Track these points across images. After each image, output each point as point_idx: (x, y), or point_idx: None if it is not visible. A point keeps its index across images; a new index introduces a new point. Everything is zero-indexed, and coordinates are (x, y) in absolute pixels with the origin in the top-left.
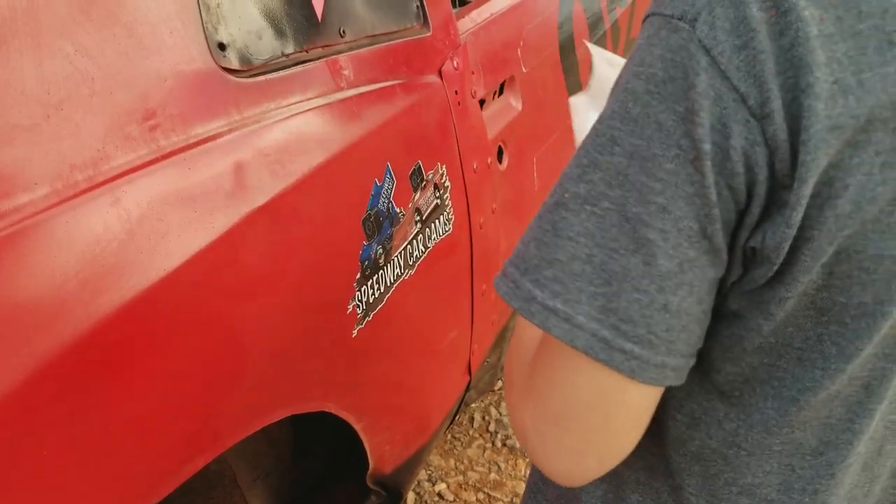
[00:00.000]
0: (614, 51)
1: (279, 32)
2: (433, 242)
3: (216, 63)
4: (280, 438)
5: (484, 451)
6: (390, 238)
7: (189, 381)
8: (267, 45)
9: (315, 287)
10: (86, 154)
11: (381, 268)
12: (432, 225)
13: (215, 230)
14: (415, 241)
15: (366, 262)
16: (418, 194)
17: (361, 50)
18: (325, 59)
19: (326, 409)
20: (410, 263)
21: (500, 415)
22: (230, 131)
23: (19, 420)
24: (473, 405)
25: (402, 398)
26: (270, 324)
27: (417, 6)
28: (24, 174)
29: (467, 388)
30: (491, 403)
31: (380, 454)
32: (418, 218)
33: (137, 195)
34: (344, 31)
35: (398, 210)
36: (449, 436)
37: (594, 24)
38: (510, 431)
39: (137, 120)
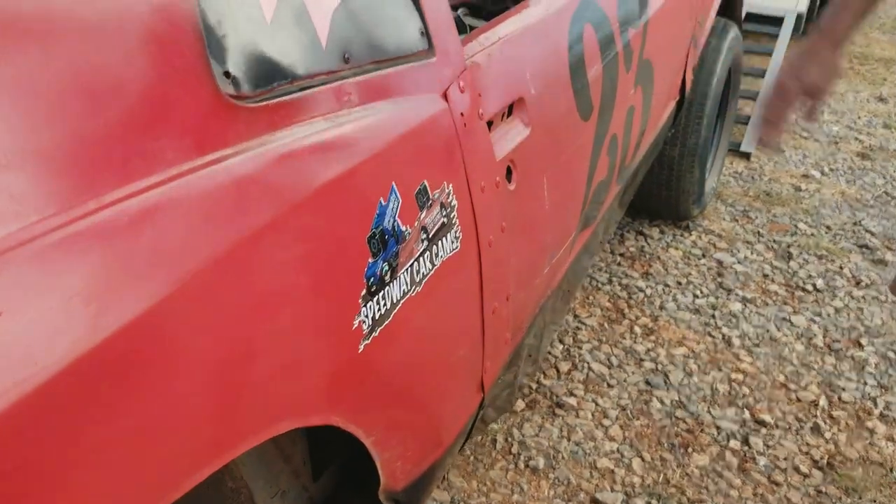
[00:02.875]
0: (626, 72)
1: (284, 60)
2: (440, 260)
3: (221, 90)
4: (295, 455)
5: (507, 473)
6: (396, 255)
7: (192, 393)
8: (272, 72)
9: (320, 303)
10: (97, 175)
11: (387, 284)
12: (439, 243)
13: (220, 248)
14: (421, 259)
15: (371, 279)
16: (424, 213)
17: (366, 75)
18: (329, 85)
19: (333, 423)
20: (417, 280)
21: (524, 436)
22: (235, 154)
23: (25, 430)
24: (495, 426)
25: (412, 413)
26: (275, 338)
27: (422, 32)
28: (37, 192)
29: (481, 406)
30: (514, 425)
31: (391, 470)
32: (425, 236)
33: (146, 215)
34: (348, 57)
35: (404, 228)
36: (471, 458)
37: (605, 45)
38: (533, 453)
39: (146, 144)
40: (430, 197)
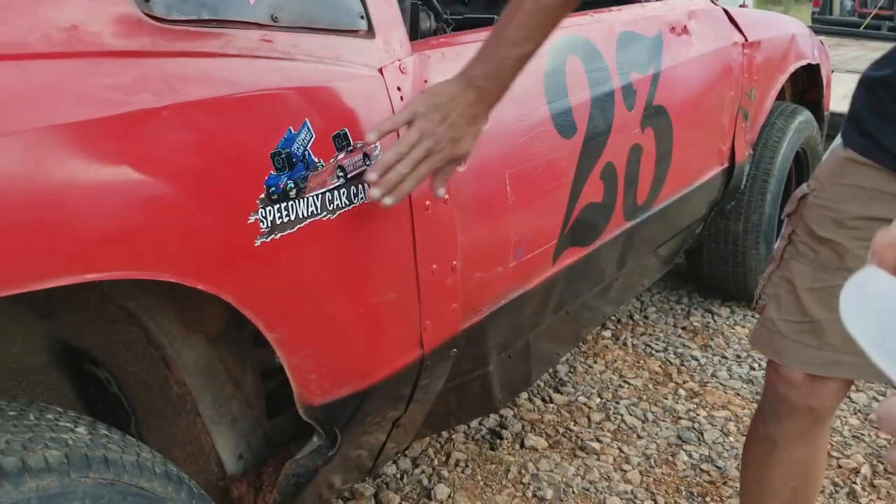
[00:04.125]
0: (627, 110)
1: (206, 3)
2: (360, 200)
3: (138, 8)
4: (245, 382)
5: (513, 499)
6: (304, 179)
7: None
8: (192, 9)
9: (209, 185)
10: (7, 38)
11: (292, 199)
12: (360, 185)
13: (108, 110)
14: (336, 192)
15: (272, 188)
16: (343, 154)
17: (294, 34)
18: (250, 31)
19: (223, 297)
20: (330, 209)
21: (538, 470)
22: (143, 55)
23: None
24: (511, 458)
25: (324, 329)
26: (154, 189)
27: (361, 15)
28: None
29: (422, 364)
30: (530, 460)
31: (304, 380)
32: (341, 174)
33: (47, 72)
34: (276, 18)
35: (316, 160)
36: (481, 482)
37: (596, 77)
38: (544, 485)
39: (58, 28)
40: (352, 144)
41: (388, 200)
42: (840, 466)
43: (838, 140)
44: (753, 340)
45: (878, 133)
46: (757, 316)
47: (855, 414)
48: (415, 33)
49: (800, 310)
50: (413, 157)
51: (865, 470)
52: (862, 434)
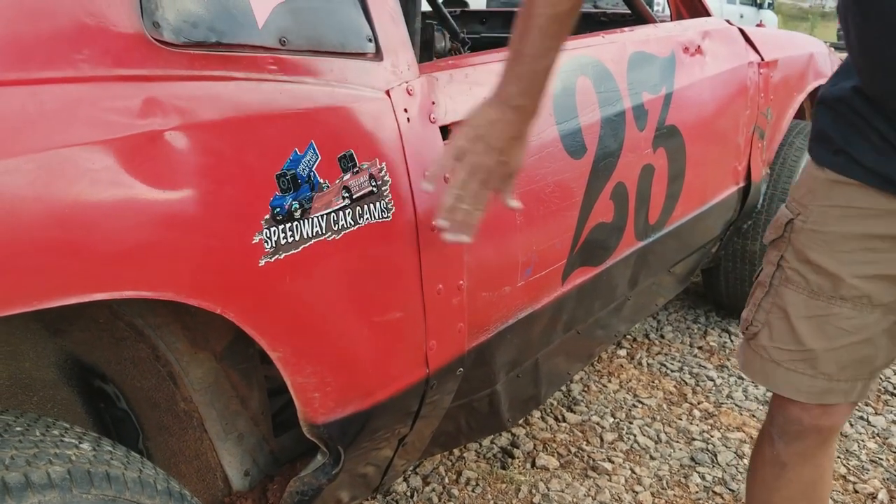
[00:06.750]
0: (638, 130)
1: (214, 27)
2: (366, 221)
3: (146, 33)
4: (251, 399)
5: None
6: (309, 200)
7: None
8: (200, 33)
9: (213, 207)
10: (13, 59)
11: (297, 220)
12: (365, 206)
13: (116, 132)
14: (342, 213)
15: (277, 209)
16: (348, 175)
17: (302, 56)
18: (259, 54)
19: (227, 316)
20: (335, 229)
21: (549, 490)
22: (149, 79)
23: None
24: (522, 477)
25: (328, 348)
26: (159, 210)
27: (369, 38)
28: None
29: (427, 383)
30: (542, 479)
31: (307, 398)
32: (347, 195)
33: (53, 95)
34: (284, 41)
35: (321, 180)
36: (491, 501)
37: (606, 98)
38: None
39: (65, 47)
40: (357, 165)
41: (465, 238)
42: (857, 491)
43: (810, 161)
44: (744, 366)
45: (852, 150)
46: (742, 336)
47: (873, 438)
48: (429, 53)
49: (794, 339)
50: (470, 192)
51: (882, 496)
52: (880, 458)
